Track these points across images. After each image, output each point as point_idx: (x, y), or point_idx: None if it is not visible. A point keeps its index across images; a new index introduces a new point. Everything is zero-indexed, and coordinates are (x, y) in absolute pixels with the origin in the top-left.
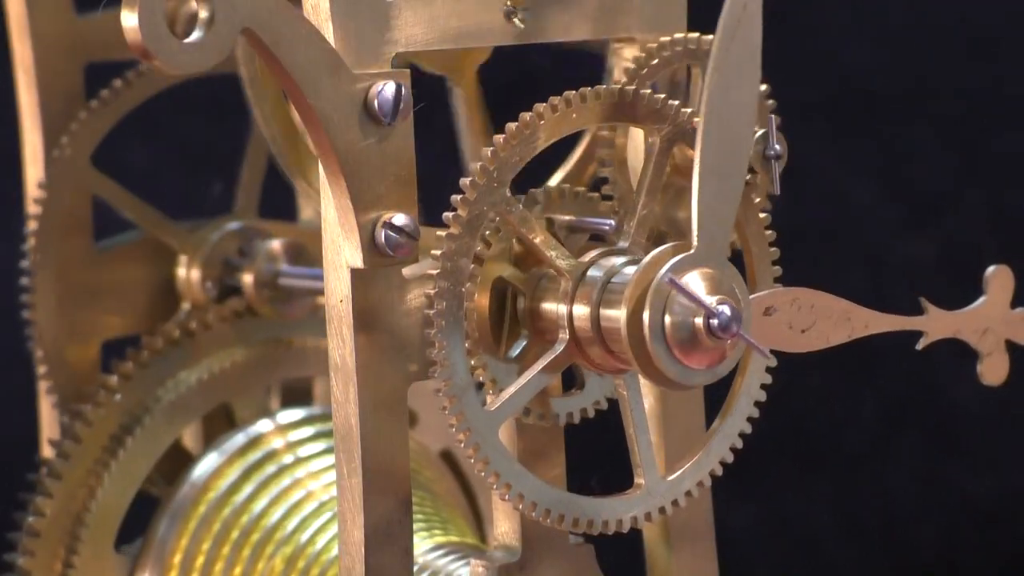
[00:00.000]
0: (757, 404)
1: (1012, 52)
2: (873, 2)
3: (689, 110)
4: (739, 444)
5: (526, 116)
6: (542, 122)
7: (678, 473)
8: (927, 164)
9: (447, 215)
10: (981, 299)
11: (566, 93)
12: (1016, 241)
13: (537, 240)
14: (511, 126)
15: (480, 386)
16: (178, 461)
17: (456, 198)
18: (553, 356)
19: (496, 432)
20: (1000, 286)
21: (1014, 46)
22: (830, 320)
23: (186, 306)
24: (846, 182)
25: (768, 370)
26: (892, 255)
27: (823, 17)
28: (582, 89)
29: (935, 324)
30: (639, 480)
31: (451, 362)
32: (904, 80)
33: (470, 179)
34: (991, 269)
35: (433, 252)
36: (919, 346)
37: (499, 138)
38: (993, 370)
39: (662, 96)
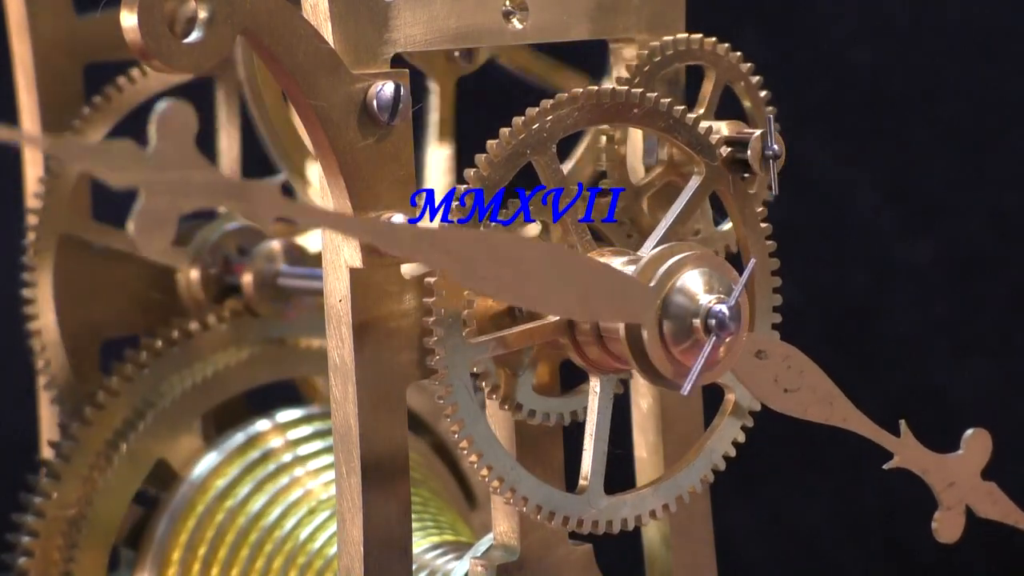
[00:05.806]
0: (714, 470)
1: (1014, 53)
2: (875, 2)
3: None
4: (686, 498)
5: (593, 88)
6: (605, 103)
7: (614, 499)
8: (928, 165)
9: (490, 143)
10: (957, 453)
11: (636, 91)
12: (1017, 242)
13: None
14: (576, 90)
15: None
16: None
17: (504, 131)
18: (542, 323)
19: (467, 370)
20: (977, 448)
21: (1017, 47)
22: (814, 395)
23: (185, 306)
24: (847, 183)
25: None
26: (893, 256)
27: (825, 17)
28: (650, 94)
29: (907, 452)
30: (583, 482)
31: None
32: (906, 81)
33: (523, 118)
34: (970, 432)
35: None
36: (886, 467)
37: (562, 96)
38: (947, 527)
39: (721, 136)
